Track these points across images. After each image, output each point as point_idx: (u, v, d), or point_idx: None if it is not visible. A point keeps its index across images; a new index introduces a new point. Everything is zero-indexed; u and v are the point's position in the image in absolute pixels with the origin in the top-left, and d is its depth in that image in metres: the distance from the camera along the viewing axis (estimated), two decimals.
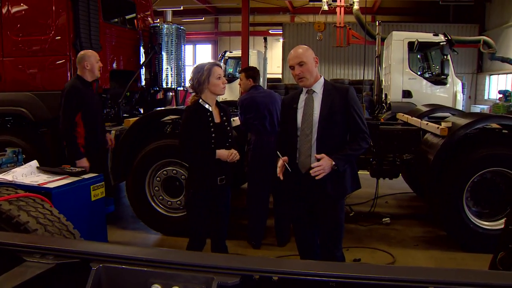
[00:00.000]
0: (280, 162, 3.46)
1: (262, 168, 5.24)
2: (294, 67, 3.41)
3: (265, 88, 11.05)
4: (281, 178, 3.47)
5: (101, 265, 1.45)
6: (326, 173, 3.24)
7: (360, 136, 3.38)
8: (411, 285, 1.36)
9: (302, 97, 3.48)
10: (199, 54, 32.13)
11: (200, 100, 3.74)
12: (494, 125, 5.63)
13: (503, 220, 4.52)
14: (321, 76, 3.49)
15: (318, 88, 3.43)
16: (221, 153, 3.69)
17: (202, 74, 3.70)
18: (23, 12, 6.08)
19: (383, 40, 12.23)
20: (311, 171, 3.25)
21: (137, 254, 1.50)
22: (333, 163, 3.24)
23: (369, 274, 1.41)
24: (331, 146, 3.33)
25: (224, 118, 3.84)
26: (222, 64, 18.82)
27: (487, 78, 21.79)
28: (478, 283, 1.35)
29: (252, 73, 5.49)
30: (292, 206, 3.70)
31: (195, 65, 3.92)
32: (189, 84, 3.84)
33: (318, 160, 3.25)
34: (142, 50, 7.48)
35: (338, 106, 3.35)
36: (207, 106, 3.73)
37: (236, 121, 5.50)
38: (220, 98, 4.28)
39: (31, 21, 6.03)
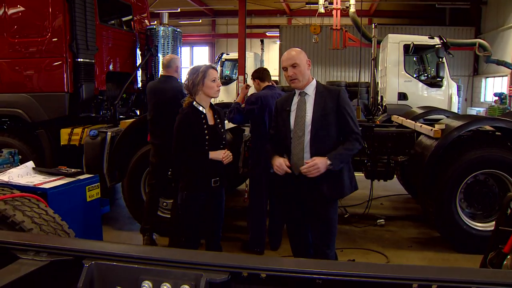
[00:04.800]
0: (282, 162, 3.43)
1: (265, 175, 5.05)
2: (287, 68, 3.45)
3: None
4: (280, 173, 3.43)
5: (93, 262, 1.48)
6: (321, 172, 3.24)
7: (352, 136, 3.40)
8: (396, 282, 1.39)
9: (295, 99, 3.52)
10: (196, 56, 32.17)
11: (194, 102, 3.76)
12: (488, 127, 5.66)
13: None
14: (313, 79, 3.53)
15: (310, 90, 3.47)
16: (215, 153, 3.72)
17: (197, 75, 3.72)
18: (20, 14, 6.11)
19: (379, 42, 12.28)
20: (303, 169, 3.26)
21: (128, 251, 1.53)
22: (329, 162, 3.25)
23: (355, 271, 1.44)
24: (324, 147, 3.35)
25: (218, 120, 3.86)
26: (218, 66, 18.87)
27: (483, 80, 21.85)
28: (462, 280, 1.39)
29: (256, 74, 5.27)
30: (287, 207, 3.73)
31: (191, 67, 3.96)
32: (184, 85, 3.87)
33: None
34: (138, 52, 7.51)
35: (330, 108, 3.38)
36: (201, 108, 3.75)
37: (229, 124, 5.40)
38: (217, 100, 4.24)
39: (28, 23, 6.06)
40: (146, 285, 1.41)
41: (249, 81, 6.31)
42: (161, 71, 6.68)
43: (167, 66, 5.24)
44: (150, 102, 5.17)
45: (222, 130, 3.88)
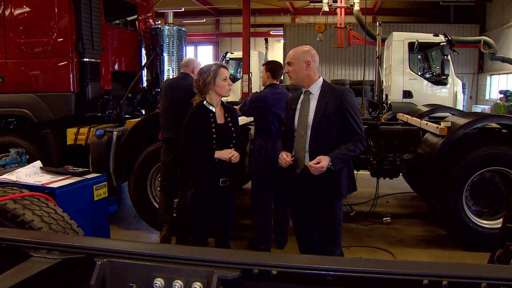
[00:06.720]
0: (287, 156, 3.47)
1: (265, 174, 5.05)
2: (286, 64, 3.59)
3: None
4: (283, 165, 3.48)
5: (105, 259, 1.50)
6: (323, 171, 3.26)
7: (356, 137, 3.39)
8: (406, 278, 1.40)
9: (301, 98, 3.54)
10: (200, 55, 32.18)
11: (205, 102, 3.76)
12: (494, 125, 5.65)
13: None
14: (319, 77, 3.53)
15: (315, 89, 3.48)
16: (221, 153, 3.69)
17: (208, 75, 3.71)
18: (26, 14, 6.14)
19: (383, 40, 12.28)
20: (311, 167, 3.27)
21: (140, 249, 1.54)
22: (330, 163, 3.27)
23: (366, 267, 1.45)
24: (324, 147, 3.34)
25: (229, 119, 3.83)
26: None
27: (488, 78, 21.76)
28: (472, 276, 1.39)
29: (271, 67, 5.11)
30: (291, 204, 3.75)
31: (201, 67, 3.96)
32: (195, 85, 3.87)
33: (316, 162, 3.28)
34: (143, 51, 7.54)
35: (332, 109, 3.37)
36: (211, 107, 3.74)
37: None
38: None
39: (34, 23, 6.09)
40: (158, 283, 1.43)
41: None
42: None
43: (184, 66, 5.37)
44: (166, 98, 5.18)
45: (233, 128, 3.83)
